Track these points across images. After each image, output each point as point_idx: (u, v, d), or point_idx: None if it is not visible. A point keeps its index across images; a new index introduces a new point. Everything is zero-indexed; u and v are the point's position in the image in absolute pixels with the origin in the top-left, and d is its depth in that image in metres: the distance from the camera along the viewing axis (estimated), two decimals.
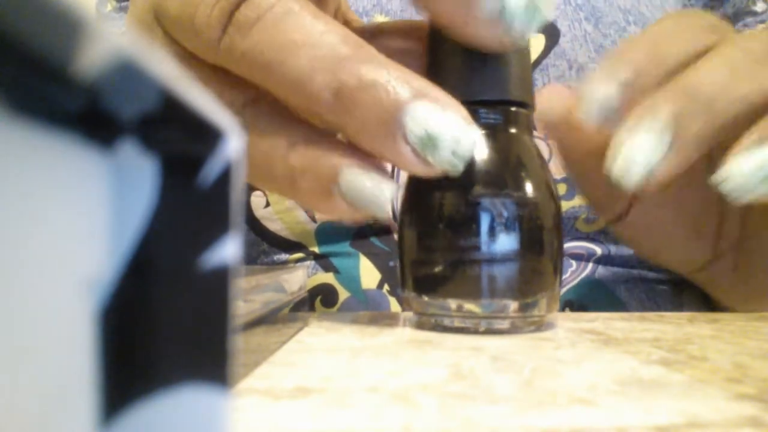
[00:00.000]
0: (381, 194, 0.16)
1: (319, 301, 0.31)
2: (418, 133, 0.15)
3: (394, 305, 0.30)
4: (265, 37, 0.16)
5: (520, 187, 0.18)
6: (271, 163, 0.17)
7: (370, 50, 0.16)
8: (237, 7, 0.16)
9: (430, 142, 0.16)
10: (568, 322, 0.21)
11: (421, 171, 0.16)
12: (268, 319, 0.20)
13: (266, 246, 0.33)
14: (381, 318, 0.23)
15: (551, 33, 0.32)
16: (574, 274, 0.31)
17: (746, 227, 0.25)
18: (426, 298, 0.19)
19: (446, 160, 0.16)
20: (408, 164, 0.16)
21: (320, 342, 0.17)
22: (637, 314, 0.24)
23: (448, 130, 0.16)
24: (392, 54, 0.17)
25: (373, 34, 0.21)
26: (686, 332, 0.19)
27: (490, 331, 0.18)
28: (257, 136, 0.17)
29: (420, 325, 0.20)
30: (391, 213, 0.19)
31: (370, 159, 0.17)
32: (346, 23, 0.23)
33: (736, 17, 0.43)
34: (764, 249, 0.25)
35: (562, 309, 0.30)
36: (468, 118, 0.16)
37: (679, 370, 0.13)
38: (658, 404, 0.10)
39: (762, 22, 0.42)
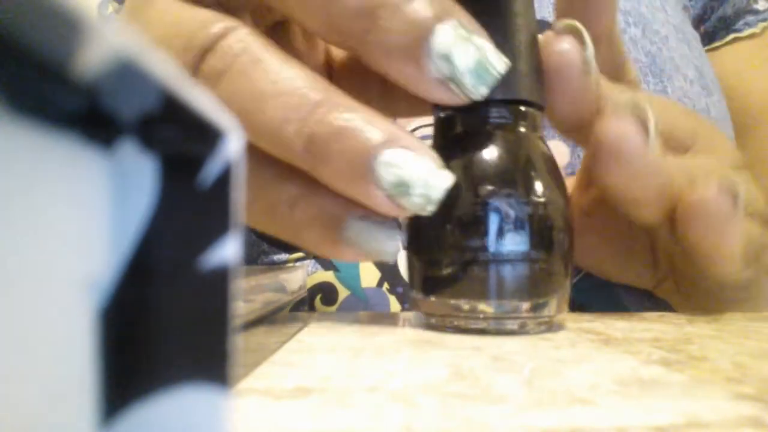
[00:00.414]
0: (388, 241, 0.17)
1: (318, 299, 0.31)
2: (389, 179, 0.15)
3: (394, 303, 0.30)
4: (234, 87, 0.16)
5: (530, 187, 0.18)
6: (275, 216, 0.17)
7: (339, 95, 0.16)
8: (202, 57, 0.16)
9: (402, 187, 0.16)
10: (568, 322, 0.21)
11: (394, 213, 0.17)
12: (268, 319, 0.20)
13: (266, 246, 0.33)
14: (381, 318, 0.23)
15: None
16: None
17: (673, 265, 0.26)
18: (436, 299, 0.19)
19: (418, 204, 0.16)
20: (381, 208, 0.16)
21: (320, 342, 0.17)
22: (637, 314, 0.24)
23: (419, 176, 0.16)
24: None
25: None
26: (686, 332, 0.19)
27: (501, 332, 0.18)
28: (258, 189, 0.17)
29: (429, 326, 0.20)
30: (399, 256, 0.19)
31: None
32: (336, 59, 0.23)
33: (736, 16, 0.43)
34: (690, 287, 0.25)
35: None
36: (439, 162, 0.16)
37: (679, 370, 0.13)
38: (658, 404, 0.10)
39: (763, 20, 0.42)
